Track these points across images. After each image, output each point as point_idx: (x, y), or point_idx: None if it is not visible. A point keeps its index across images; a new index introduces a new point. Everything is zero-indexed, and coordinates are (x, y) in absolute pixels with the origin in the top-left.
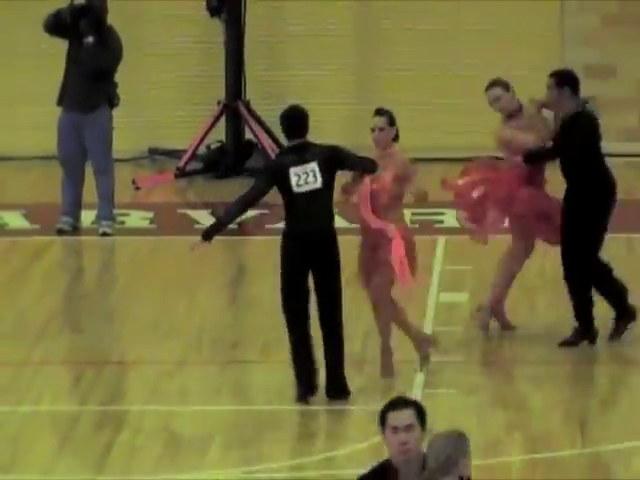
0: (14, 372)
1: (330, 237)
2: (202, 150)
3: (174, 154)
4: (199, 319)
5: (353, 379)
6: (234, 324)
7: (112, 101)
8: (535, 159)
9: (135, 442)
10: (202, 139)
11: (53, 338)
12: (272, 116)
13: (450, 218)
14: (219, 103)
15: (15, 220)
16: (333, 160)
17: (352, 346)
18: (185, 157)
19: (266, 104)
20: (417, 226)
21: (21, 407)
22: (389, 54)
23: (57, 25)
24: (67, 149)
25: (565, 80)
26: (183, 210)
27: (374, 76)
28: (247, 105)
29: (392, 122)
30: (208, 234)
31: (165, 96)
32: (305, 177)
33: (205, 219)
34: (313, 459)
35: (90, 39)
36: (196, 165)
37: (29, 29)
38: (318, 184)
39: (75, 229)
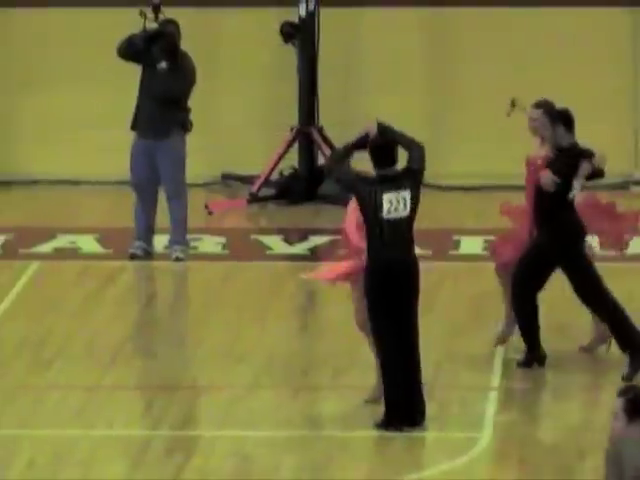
0: (86, 396)
1: (413, 266)
2: (275, 176)
3: (247, 179)
4: (270, 344)
5: (426, 405)
6: (305, 350)
7: (185, 126)
8: None
9: (206, 467)
10: (275, 165)
11: (125, 362)
12: (345, 142)
13: None
14: (292, 129)
15: (88, 244)
16: (414, 179)
17: (423, 373)
18: (258, 183)
19: (339, 130)
20: None
21: (93, 431)
22: (463, 79)
23: (130, 50)
24: (140, 174)
25: (558, 117)
26: (255, 236)
27: (448, 102)
28: (320, 131)
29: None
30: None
31: (238, 121)
32: (396, 204)
33: (278, 245)
34: None
35: (163, 64)
36: (269, 191)
37: (105, 53)
38: (406, 212)
39: (148, 254)
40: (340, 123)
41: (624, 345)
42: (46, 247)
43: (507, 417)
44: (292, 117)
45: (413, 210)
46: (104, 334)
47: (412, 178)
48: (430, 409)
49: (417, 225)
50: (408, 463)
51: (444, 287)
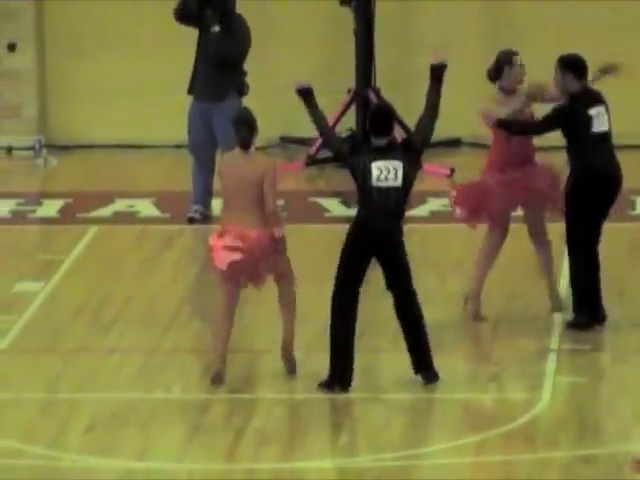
0: (144, 360)
1: (396, 231)
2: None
3: (305, 142)
4: (329, 307)
5: (482, 366)
6: (364, 312)
7: (241, 90)
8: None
9: (265, 430)
10: (332, 127)
11: (183, 326)
12: (402, 104)
13: None
14: (349, 91)
15: (146, 208)
16: (411, 154)
17: (480, 334)
18: (316, 145)
19: (396, 91)
20: None
21: (151, 395)
22: (522, 46)
23: (185, 14)
24: (197, 138)
25: (568, 64)
26: (313, 198)
27: None
28: (377, 93)
29: None
30: (307, 95)
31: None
32: (386, 173)
33: (335, 207)
34: (440, 448)
35: (216, 28)
36: (327, 153)
37: (161, 18)
38: (398, 183)
39: (206, 217)
40: (396, 85)
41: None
42: (104, 211)
43: (566, 379)
44: (349, 79)
45: (406, 183)
46: (162, 297)
47: (406, 152)
48: (488, 370)
49: None
50: (467, 425)
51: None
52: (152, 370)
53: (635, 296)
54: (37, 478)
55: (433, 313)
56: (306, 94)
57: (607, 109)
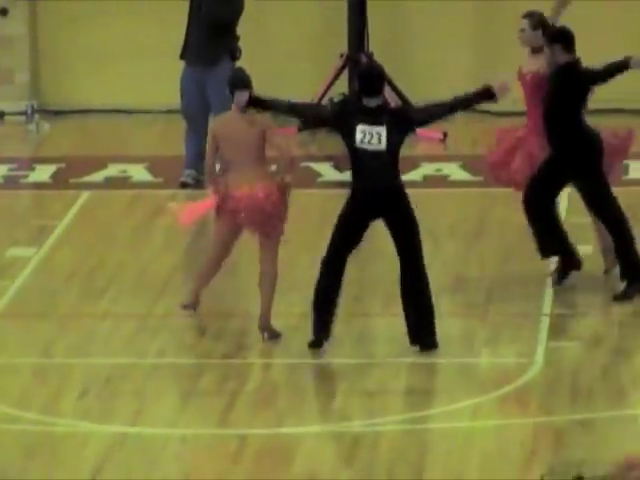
0: (137, 325)
1: (395, 193)
2: (325, 103)
3: None
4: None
5: (476, 330)
6: (357, 277)
7: (234, 54)
8: None
9: (259, 395)
10: (325, 92)
11: (176, 291)
12: (395, 68)
13: None
14: (342, 56)
15: (138, 173)
16: (403, 123)
17: (474, 299)
18: None
19: (389, 55)
20: None
21: (144, 360)
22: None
23: None
24: (190, 103)
25: (556, 36)
26: (306, 163)
27: (497, 27)
28: (370, 57)
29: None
30: (257, 101)
31: (287, 49)
32: (370, 137)
33: (328, 172)
34: (434, 412)
35: None
36: None
37: None
38: (382, 147)
39: (198, 182)
40: (389, 49)
41: (624, 274)
42: (97, 176)
43: (560, 343)
44: (342, 44)
45: (390, 147)
46: (155, 263)
47: (397, 119)
48: (482, 335)
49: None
50: (461, 390)
51: (495, 212)
52: (145, 335)
53: None
54: (31, 443)
55: None
56: (257, 103)
57: None
